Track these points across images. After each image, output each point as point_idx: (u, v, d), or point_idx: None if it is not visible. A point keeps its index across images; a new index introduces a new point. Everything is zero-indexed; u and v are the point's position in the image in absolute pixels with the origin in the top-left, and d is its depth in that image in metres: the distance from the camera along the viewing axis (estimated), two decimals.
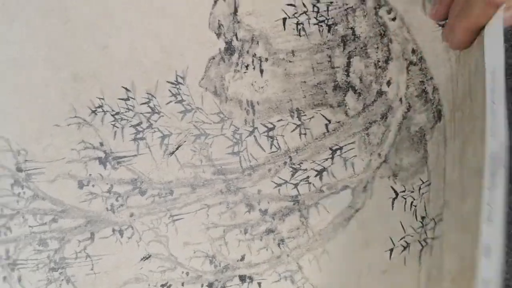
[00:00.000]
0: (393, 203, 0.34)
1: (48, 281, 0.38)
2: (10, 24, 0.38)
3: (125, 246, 0.37)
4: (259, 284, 0.36)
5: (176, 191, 0.36)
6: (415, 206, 0.34)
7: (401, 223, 0.34)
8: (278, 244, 0.35)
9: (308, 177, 0.35)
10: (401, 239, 0.34)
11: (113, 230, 0.37)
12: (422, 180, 0.34)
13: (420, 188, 0.34)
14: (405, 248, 0.34)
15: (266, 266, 0.35)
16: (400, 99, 0.34)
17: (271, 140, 0.35)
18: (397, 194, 0.34)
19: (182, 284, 0.36)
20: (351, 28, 0.34)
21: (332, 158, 0.35)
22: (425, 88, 0.34)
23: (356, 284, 0.34)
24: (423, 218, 0.34)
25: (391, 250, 0.34)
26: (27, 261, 0.38)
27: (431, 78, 0.34)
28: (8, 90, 0.38)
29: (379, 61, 0.34)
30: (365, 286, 0.34)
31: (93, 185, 0.37)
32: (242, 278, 0.36)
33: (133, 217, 0.37)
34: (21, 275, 0.38)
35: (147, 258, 0.37)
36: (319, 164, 0.35)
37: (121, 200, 0.37)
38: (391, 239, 0.34)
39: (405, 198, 0.34)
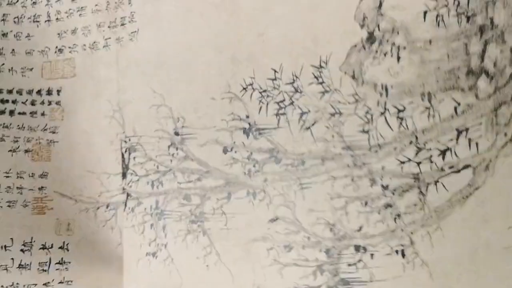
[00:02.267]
0: None
1: (188, 231, 0.43)
2: (186, 15, 0.45)
3: (256, 208, 0.41)
4: (372, 255, 0.37)
5: (307, 162, 0.40)
6: None
7: None
8: (394, 219, 0.37)
9: (431, 156, 0.36)
10: None
11: (248, 192, 0.41)
12: None
13: None
14: None
15: (380, 238, 0.37)
16: None
17: (400, 120, 0.37)
18: None
19: (303, 247, 0.39)
20: (490, 18, 0.36)
21: (457, 138, 0.36)
22: None
23: (470, 260, 0.34)
24: None
25: None
26: (172, 212, 0.43)
27: None
28: (178, 68, 0.45)
29: None
30: (481, 263, 0.34)
31: (235, 151, 0.42)
32: (357, 248, 0.37)
33: (266, 182, 0.41)
34: (165, 224, 0.44)
35: (274, 221, 0.40)
36: (443, 144, 0.36)
37: (258, 166, 0.41)
38: None
39: None
